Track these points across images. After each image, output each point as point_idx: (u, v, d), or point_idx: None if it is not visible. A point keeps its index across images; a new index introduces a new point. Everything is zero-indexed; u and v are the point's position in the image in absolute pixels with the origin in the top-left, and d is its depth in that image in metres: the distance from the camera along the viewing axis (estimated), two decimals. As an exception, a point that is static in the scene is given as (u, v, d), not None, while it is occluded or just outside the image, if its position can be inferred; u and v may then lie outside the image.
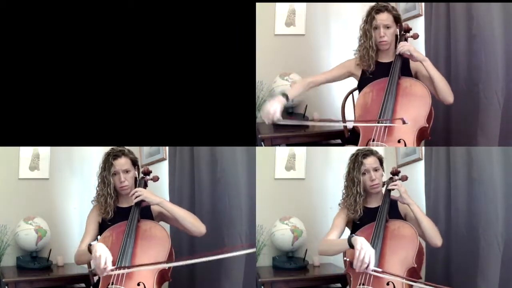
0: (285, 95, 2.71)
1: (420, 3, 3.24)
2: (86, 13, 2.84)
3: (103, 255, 2.45)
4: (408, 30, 2.74)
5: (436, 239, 2.59)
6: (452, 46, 3.01)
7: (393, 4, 2.76)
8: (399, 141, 2.64)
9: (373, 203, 2.68)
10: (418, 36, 2.76)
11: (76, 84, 2.85)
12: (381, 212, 2.61)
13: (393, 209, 2.65)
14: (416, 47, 2.70)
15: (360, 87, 2.78)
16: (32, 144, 3.07)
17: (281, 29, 3.34)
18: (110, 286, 2.51)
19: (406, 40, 2.73)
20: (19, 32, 2.83)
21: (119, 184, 2.66)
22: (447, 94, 2.69)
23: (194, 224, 2.66)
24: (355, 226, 2.68)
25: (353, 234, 2.52)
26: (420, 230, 2.58)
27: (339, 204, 2.74)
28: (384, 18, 2.71)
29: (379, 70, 2.74)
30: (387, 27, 2.71)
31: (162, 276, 2.59)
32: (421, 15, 3.25)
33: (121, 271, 2.50)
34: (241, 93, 2.87)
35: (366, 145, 2.66)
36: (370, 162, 2.65)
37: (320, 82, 2.86)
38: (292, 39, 3.36)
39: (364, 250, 2.40)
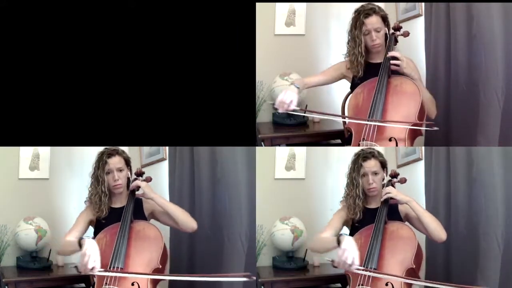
0: (295, 85, 2.72)
1: (420, 3, 3.24)
2: (86, 13, 2.84)
3: (93, 254, 2.46)
4: (398, 28, 2.74)
5: (440, 233, 2.57)
6: (452, 46, 3.01)
7: (381, 4, 2.76)
8: (390, 140, 2.64)
9: (373, 204, 2.68)
10: (408, 34, 2.75)
11: (76, 84, 2.85)
12: (379, 214, 2.61)
13: (393, 211, 2.64)
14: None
15: (352, 89, 2.79)
16: (32, 144, 3.07)
17: (281, 29, 3.34)
18: (104, 286, 2.51)
19: (396, 38, 2.74)
20: (19, 32, 2.83)
21: (113, 182, 2.66)
22: None
23: (184, 219, 2.67)
24: (354, 226, 2.68)
25: (343, 233, 2.53)
26: (423, 227, 2.58)
27: (340, 202, 2.74)
28: (374, 21, 2.69)
29: (370, 71, 2.74)
30: (378, 31, 2.71)
31: (157, 276, 2.59)
32: (421, 15, 3.25)
33: (110, 274, 2.51)
34: (241, 93, 2.87)
35: (358, 145, 2.66)
36: (369, 165, 2.64)
37: (315, 84, 2.87)
38: (292, 39, 3.35)
39: (348, 250, 2.42)
